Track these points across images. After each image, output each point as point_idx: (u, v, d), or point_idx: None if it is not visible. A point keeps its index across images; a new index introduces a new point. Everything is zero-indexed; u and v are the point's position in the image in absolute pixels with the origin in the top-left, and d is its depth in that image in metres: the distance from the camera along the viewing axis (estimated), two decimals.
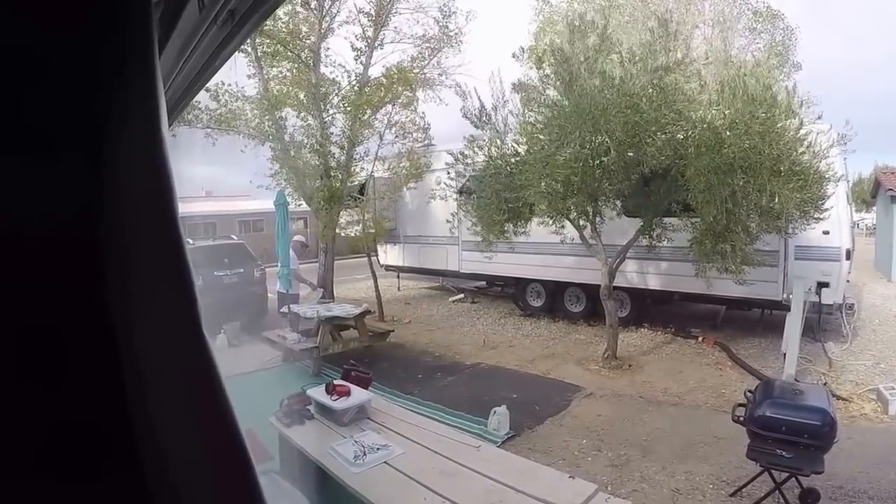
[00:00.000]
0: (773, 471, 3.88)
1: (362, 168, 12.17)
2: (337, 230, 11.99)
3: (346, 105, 11.36)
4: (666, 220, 7.70)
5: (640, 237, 7.76)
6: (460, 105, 8.71)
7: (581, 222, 7.82)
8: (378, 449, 3.39)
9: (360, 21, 11.68)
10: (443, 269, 13.32)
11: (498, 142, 8.46)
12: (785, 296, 7.86)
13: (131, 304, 0.44)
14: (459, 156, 8.87)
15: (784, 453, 3.73)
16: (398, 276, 15.10)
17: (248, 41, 9.48)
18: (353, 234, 12.67)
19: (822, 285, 7.71)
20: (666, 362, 7.90)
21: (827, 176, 6.28)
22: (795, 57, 6.94)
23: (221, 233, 16.64)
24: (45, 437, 0.40)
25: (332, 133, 11.49)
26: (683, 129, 6.49)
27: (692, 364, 7.74)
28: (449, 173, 9.86)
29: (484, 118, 8.51)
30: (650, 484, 4.50)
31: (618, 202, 7.96)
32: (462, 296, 13.68)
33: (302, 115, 11.28)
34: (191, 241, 11.10)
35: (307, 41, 11.28)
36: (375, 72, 12.00)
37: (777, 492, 3.89)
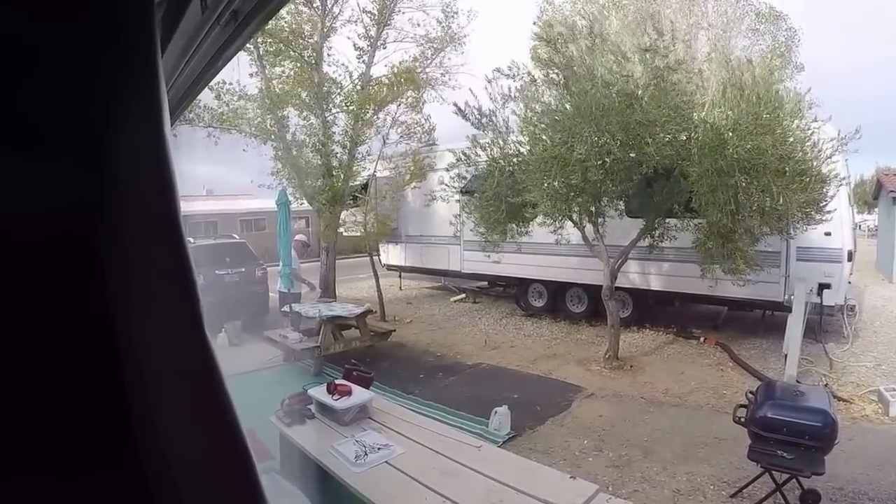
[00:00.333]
0: (773, 472, 3.87)
1: (364, 167, 12.17)
2: (339, 230, 11.99)
3: (348, 104, 11.37)
4: (668, 220, 7.70)
5: (642, 238, 7.75)
6: (458, 103, 8.73)
7: (584, 223, 7.82)
8: (379, 448, 3.39)
9: (362, 20, 11.70)
10: (444, 269, 13.32)
11: (500, 142, 8.46)
12: (786, 297, 7.85)
13: (132, 303, 0.44)
14: (462, 156, 8.87)
15: (785, 454, 3.73)
16: (400, 276, 15.10)
17: (251, 40, 9.48)
18: (355, 234, 12.67)
19: (823, 287, 7.72)
20: (667, 363, 7.89)
21: (829, 177, 6.28)
22: (798, 58, 6.92)
23: (223, 231, 16.67)
24: (45, 435, 0.40)
25: (334, 132, 11.50)
26: (686, 129, 6.49)
27: (693, 365, 7.73)
28: (449, 171, 9.86)
29: (485, 119, 8.50)
30: (651, 485, 4.50)
31: (620, 203, 7.95)
32: (464, 296, 13.69)
33: (304, 114, 11.30)
34: (192, 240, 11.10)
35: (310, 40, 11.28)
36: (378, 71, 12.05)
37: (778, 493, 3.88)
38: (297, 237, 9.58)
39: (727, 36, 6.65)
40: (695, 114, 6.38)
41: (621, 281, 8.60)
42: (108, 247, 0.43)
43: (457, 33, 12.31)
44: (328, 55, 11.63)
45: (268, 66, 11.11)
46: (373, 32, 11.74)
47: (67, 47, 0.42)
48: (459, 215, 9.86)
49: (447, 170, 9.68)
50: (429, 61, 12.37)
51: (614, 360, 7.68)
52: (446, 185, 10.18)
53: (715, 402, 6.31)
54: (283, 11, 10.26)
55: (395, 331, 9.14)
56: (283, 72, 11.33)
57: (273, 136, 11.32)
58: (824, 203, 6.41)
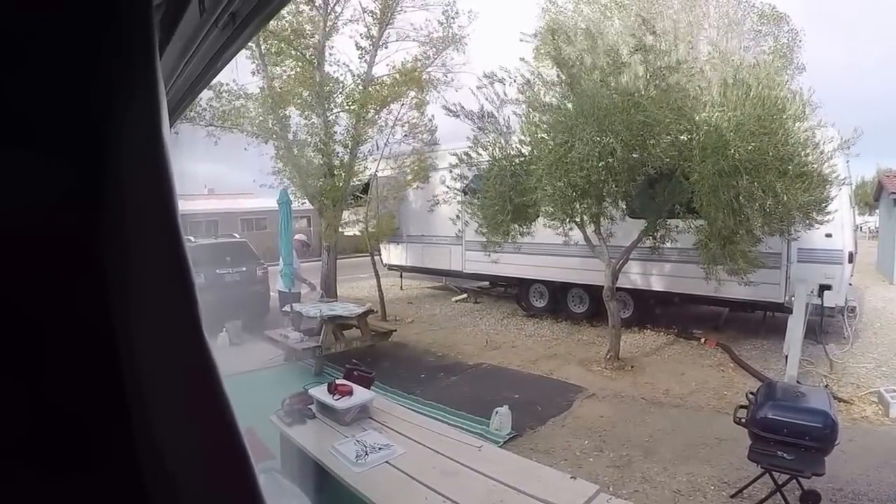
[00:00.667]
0: (774, 472, 3.87)
1: (366, 167, 12.17)
2: (340, 229, 11.99)
3: (349, 104, 11.36)
4: (669, 221, 7.70)
5: (643, 239, 7.75)
6: (458, 104, 8.74)
7: (587, 224, 7.82)
8: (380, 448, 3.39)
9: (364, 20, 11.69)
10: (446, 269, 13.32)
11: (502, 142, 8.46)
12: (787, 298, 7.85)
13: (130, 303, 0.44)
14: (464, 156, 8.87)
15: (785, 455, 3.73)
16: (401, 276, 15.09)
17: (252, 40, 9.48)
18: (356, 233, 12.66)
19: (824, 288, 7.71)
20: (668, 363, 7.89)
21: (831, 178, 6.27)
22: (800, 59, 6.93)
23: (224, 231, 16.66)
24: (44, 434, 0.40)
25: (335, 132, 11.50)
26: (688, 130, 6.49)
27: (694, 365, 7.73)
28: (451, 172, 9.85)
29: (486, 120, 8.50)
30: (652, 485, 4.50)
31: (622, 204, 7.95)
32: (465, 296, 13.68)
33: (306, 113, 11.29)
34: (192, 239, 11.13)
35: (311, 40, 11.27)
36: (380, 70, 12.04)
37: (778, 493, 3.88)
38: (297, 237, 9.55)
39: (729, 37, 6.65)
40: (696, 115, 6.38)
41: (622, 281, 8.59)
42: (106, 247, 0.43)
43: (457, 34, 12.32)
44: (330, 55, 11.64)
45: (269, 66, 11.11)
46: (375, 32, 11.73)
47: (67, 48, 0.42)
48: (461, 216, 9.85)
49: (449, 170, 9.69)
50: (430, 61, 12.37)
51: (615, 360, 7.68)
52: (447, 186, 10.18)
53: (715, 402, 6.31)
54: (283, 11, 10.25)
55: (396, 331, 9.13)
56: (285, 71, 11.32)
57: (274, 136, 11.32)
58: (825, 204, 6.40)
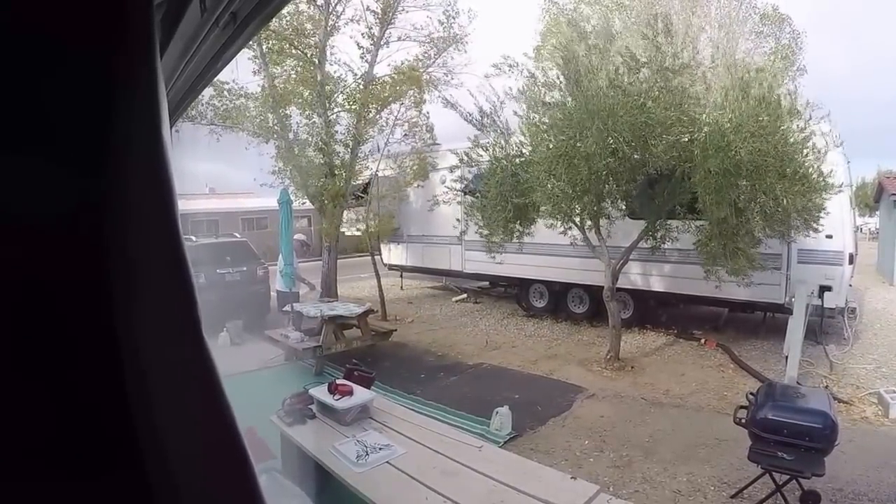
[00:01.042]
0: (774, 473, 3.87)
1: (367, 167, 12.17)
2: (340, 229, 11.98)
3: (350, 103, 11.36)
4: (669, 222, 7.69)
5: (643, 239, 7.75)
6: (459, 104, 8.75)
7: (587, 224, 7.82)
8: (380, 449, 3.40)
9: (366, 19, 11.69)
10: (446, 269, 13.32)
11: (502, 142, 8.45)
12: (787, 299, 7.85)
13: (130, 303, 0.44)
14: (464, 156, 8.87)
15: (785, 456, 3.73)
16: (401, 276, 15.08)
17: (253, 39, 9.47)
18: (356, 233, 12.65)
19: (824, 289, 7.71)
20: (668, 364, 7.89)
21: (830, 180, 6.27)
22: (802, 60, 6.91)
23: (224, 230, 16.64)
24: (46, 435, 0.40)
25: (336, 131, 11.49)
26: (689, 130, 6.48)
27: (694, 366, 7.73)
28: (452, 171, 9.84)
29: (486, 120, 8.50)
30: (652, 485, 4.51)
31: (622, 204, 7.95)
32: (465, 296, 13.69)
33: (306, 112, 11.27)
34: (193, 239, 11.12)
35: (312, 39, 11.26)
36: (381, 70, 12.03)
37: (778, 494, 3.88)
38: (297, 236, 9.54)
39: (730, 38, 6.64)
40: (698, 115, 6.38)
41: (622, 282, 8.59)
42: (105, 247, 0.43)
43: (458, 33, 12.31)
44: (331, 54, 11.62)
45: (270, 65, 11.10)
46: (376, 31, 11.72)
47: (67, 47, 0.42)
48: (462, 216, 9.85)
49: (450, 170, 9.68)
50: (431, 61, 12.37)
51: (615, 360, 7.68)
52: (448, 186, 10.17)
53: (716, 403, 6.31)
54: (284, 10, 10.24)
55: (396, 330, 9.13)
56: (286, 70, 11.31)
57: (275, 135, 11.31)
58: (821, 213, 6.41)
